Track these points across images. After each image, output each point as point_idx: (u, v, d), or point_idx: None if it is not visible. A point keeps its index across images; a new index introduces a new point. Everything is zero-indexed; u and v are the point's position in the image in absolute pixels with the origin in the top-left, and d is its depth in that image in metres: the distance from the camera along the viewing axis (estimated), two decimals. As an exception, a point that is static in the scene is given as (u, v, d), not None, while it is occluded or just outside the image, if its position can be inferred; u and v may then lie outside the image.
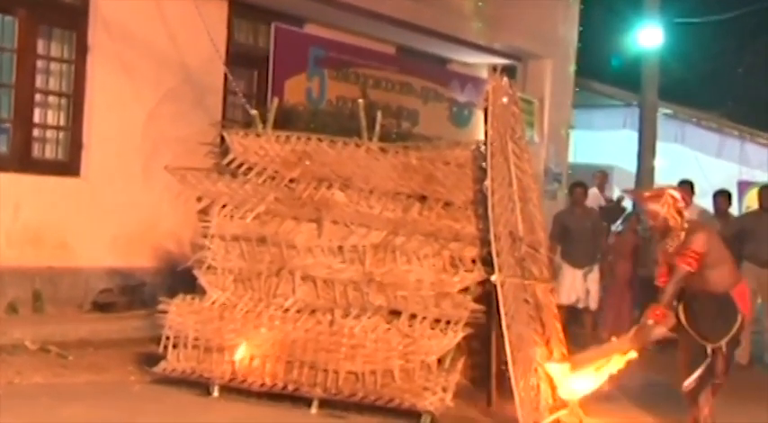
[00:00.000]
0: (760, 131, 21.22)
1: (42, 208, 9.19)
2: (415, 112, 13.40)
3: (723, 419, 7.61)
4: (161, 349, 7.21)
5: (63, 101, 9.72)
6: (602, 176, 14.52)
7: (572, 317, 10.68)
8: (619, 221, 12.59)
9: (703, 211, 11.88)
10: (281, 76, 11.46)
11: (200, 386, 7.05)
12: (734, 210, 12.78)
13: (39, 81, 9.48)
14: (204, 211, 7.49)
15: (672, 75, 19.47)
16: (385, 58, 13.15)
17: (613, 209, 13.38)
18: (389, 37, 13.02)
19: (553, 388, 6.83)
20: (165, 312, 7.25)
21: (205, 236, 7.39)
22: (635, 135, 16.97)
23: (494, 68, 8.46)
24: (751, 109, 22.18)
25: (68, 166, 9.64)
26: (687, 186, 11.93)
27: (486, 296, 6.60)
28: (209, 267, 7.34)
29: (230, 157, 7.48)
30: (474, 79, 14.45)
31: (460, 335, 6.56)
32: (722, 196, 11.79)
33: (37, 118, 9.50)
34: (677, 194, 6.75)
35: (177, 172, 7.63)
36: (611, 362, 6.84)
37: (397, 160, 7.06)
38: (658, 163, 17.01)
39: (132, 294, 9.62)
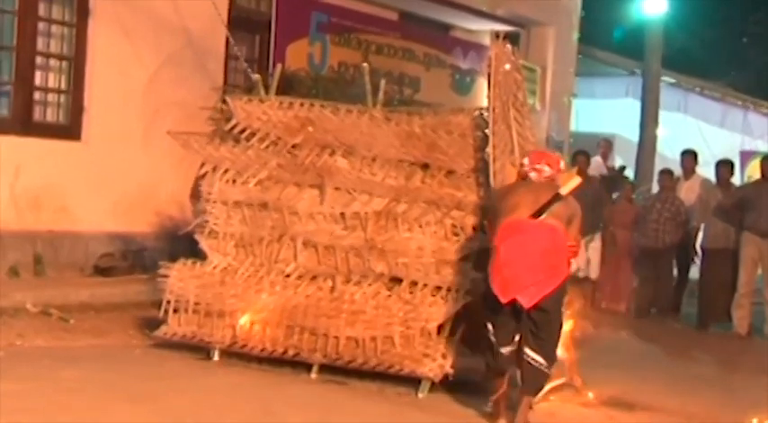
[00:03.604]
0: (763, 101, 21.17)
1: (43, 171, 9.18)
2: (416, 79, 13.36)
3: (722, 390, 7.66)
4: (162, 313, 7.22)
5: (64, 64, 9.67)
6: (607, 145, 14.50)
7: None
8: None
9: (705, 181, 11.88)
10: (282, 42, 11.41)
11: (201, 350, 7.07)
12: (736, 179, 12.77)
13: (40, 44, 9.42)
14: (205, 176, 7.46)
15: (675, 43, 19.39)
16: (387, 25, 13.09)
17: (616, 178, 13.37)
18: (392, 3, 12.95)
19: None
20: (165, 277, 7.25)
21: (207, 201, 7.38)
22: (637, 104, 16.94)
23: (496, 35, 8.40)
24: (755, 78, 22.13)
25: (69, 129, 9.60)
26: (690, 155, 11.97)
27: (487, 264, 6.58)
28: (210, 232, 7.34)
29: (233, 122, 7.45)
30: (476, 46, 14.38)
31: (461, 302, 6.57)
32: (724, 166, 11.78)
33: (38, 81, 9.45)
34: (525, 160, 6.27)
35: (180, 137, 7.60)
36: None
37: (400, 128, 7.02)
38: (661, 132, 17.00)
39: (133, 259, 9.63)
